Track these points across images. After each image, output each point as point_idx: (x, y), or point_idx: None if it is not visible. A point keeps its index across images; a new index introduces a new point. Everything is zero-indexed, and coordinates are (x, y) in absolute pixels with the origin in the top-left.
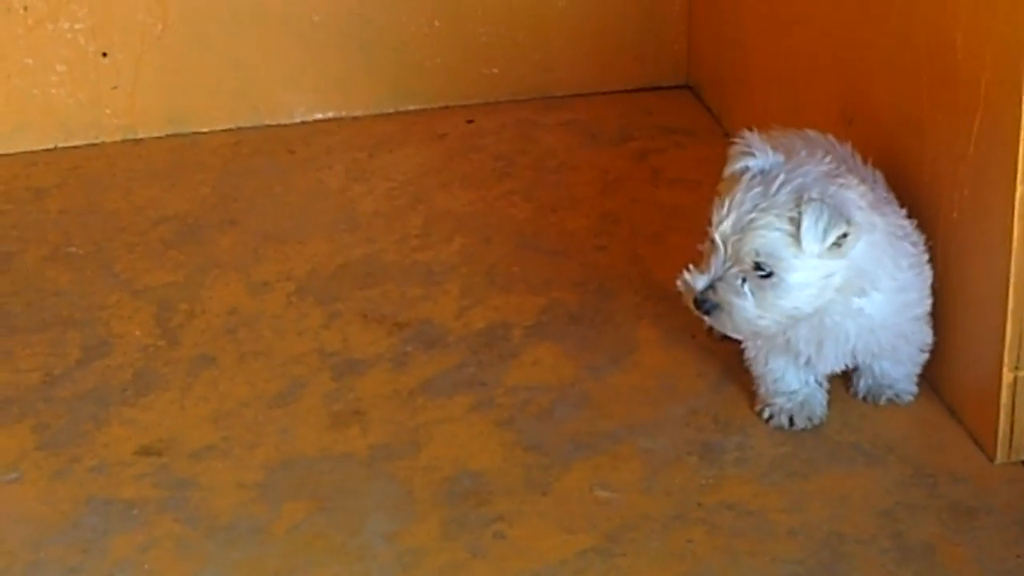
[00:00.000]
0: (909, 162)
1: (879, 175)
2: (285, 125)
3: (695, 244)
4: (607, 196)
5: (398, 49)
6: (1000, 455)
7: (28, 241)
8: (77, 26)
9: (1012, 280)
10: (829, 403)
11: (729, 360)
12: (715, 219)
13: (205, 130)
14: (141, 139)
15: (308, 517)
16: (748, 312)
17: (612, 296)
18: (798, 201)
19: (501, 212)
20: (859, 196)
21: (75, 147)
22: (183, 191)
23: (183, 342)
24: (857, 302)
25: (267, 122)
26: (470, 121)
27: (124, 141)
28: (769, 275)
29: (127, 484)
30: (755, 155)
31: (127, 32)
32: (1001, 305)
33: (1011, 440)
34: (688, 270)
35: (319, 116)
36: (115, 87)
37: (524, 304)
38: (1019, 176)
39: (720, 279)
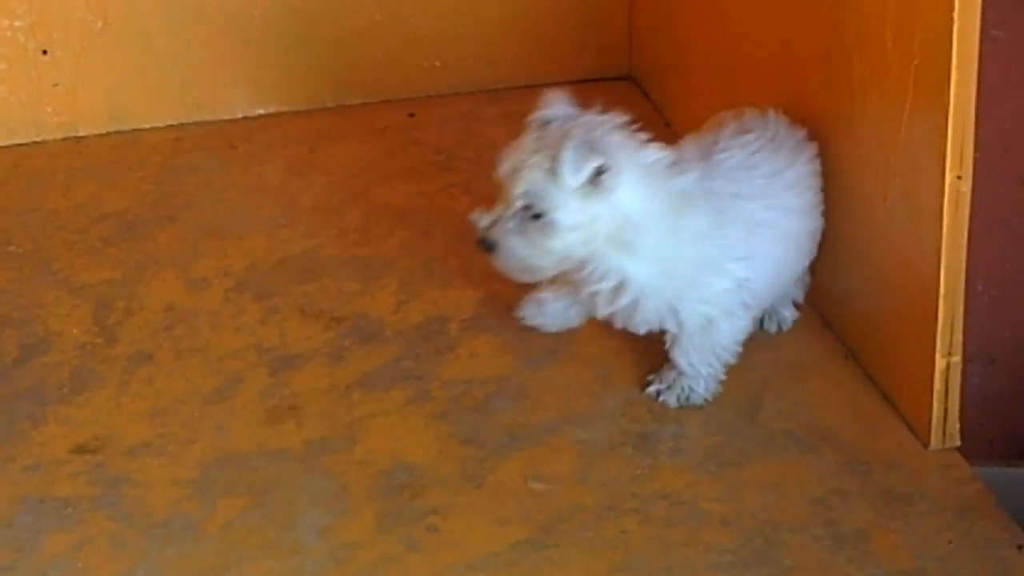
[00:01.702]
0: (842, 151)
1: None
2: (226, 121)
3: None
4: None
5: (339, 43)
6: (934, 441)
7: None
8: (17, 23)
9: (943, 266)
10: (763, 390)
11: (664, 351)
12: (498, 160)
13: (147, 127)
14: (82, 136)
15: (242, 513)
16: (519, 252)
17: None
18: (561, 140)
19: (441, 206)
20: (629, 140)
21: (16, 145)
22: (123, 188)
23: (120, 339)
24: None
25: (208, 118)
26: (411, 115)
27: (65, 139)
28: (539, 216)
29: (62, 482)
30: (550, 108)
31: (67, 29)
32: (933, 292)
33: (944, 426)
34: (476, 211)
35: (260, 111)
36: (56, 84)
37: (462, 297)
38: (948, 164)
39: (500, 219)
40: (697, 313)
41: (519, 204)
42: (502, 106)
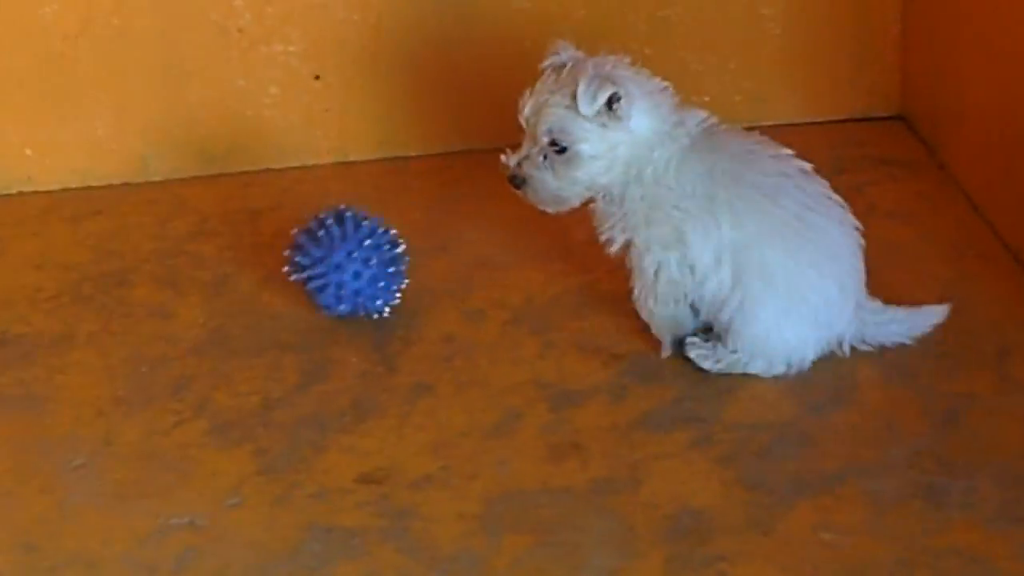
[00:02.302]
0: None
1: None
2: (496, 150)
3: (913, 279)
4: None
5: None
6: None
7: (243, 264)
8: (291, 48)
9: None
10: None
11: (953, 401)
12: (520, 105)
13: (415, 154)
14: (352, 162)
15: (529, 551)
16: (549, 184)
17: None
18: (576, 78)
19: None
20: (637, 73)
21: (288, 168)
22: (394, 215)
23: (400, 369)
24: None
25: (478, 146)
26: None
27: (335, 164)
28: (564, 150)
29: (348, 512)
30: (559, 53)
31: (340, 56)
32: None
33: None
34: (505, 152)
35: None
36: (327, 110)
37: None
38: None
39: (526, 157)
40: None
41: (544, 140)
42: None
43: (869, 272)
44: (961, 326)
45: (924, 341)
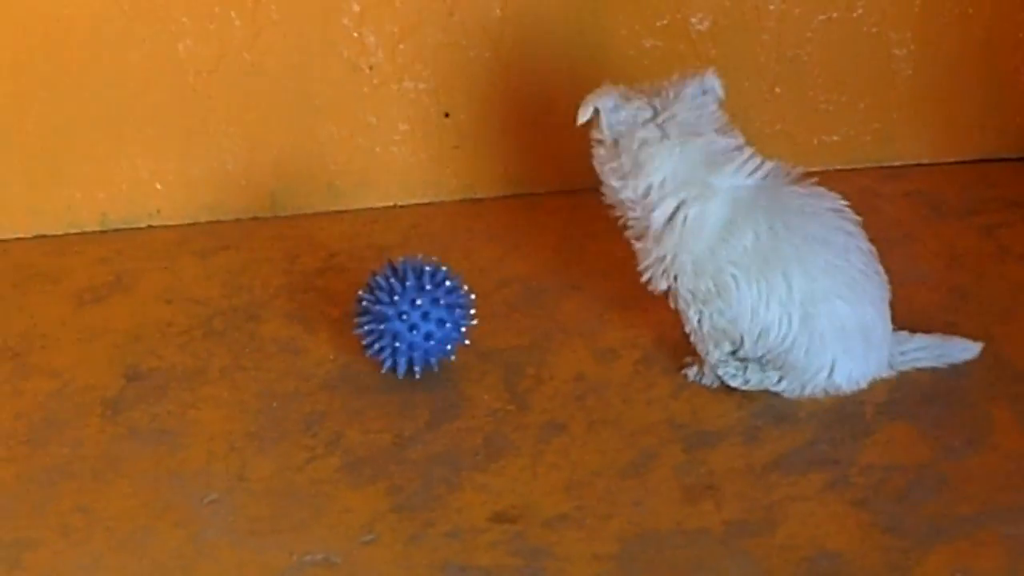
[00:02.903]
0: None
1: None
2: None
3: None
4: (954, 271)
5: (738, 116)
6: None
7: None
8: (421, 86)
9: None
10: None
11: None
12: None
13: (543, 191)
14: (480, 199)
15: None
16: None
17: (964, 374)
18: None
19: None
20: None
21: (416, 205)
22: (524, 253)
23: (532, 407)
24: None
25: None
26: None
27: (463, 200)
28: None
29: (482, 551)
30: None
31: (469, 94)
32: None
33: None
34: None
35: None
36: (456, 147)
37: (874, 381)
38: None
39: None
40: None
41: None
42: (900, 184)
43: (1004, 311)
44: None
45: None
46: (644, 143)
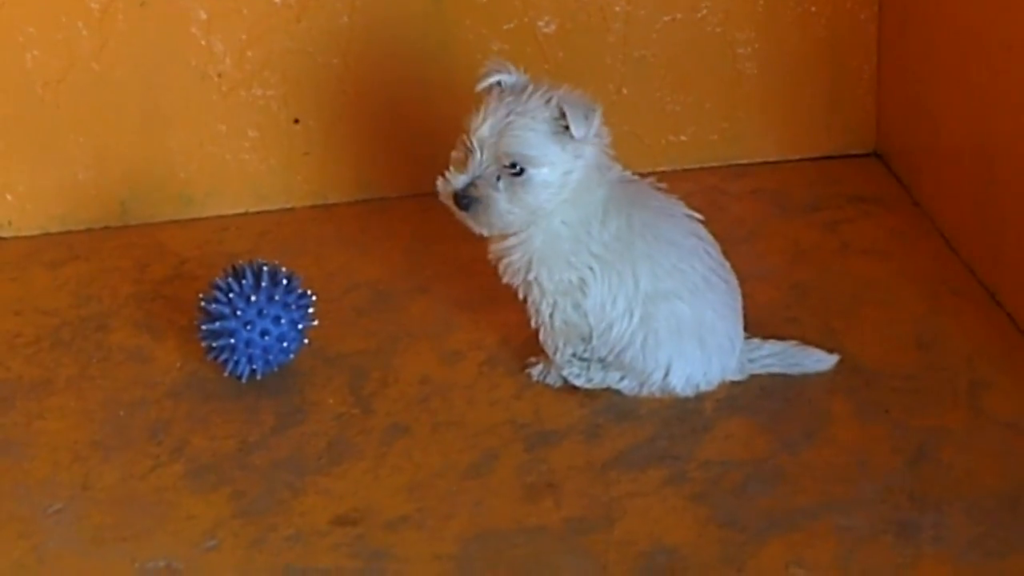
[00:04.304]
0: None
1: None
2: None
3: (887, 316)
4: (797, 267)
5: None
6: None
7: None
8: (270, 93)
9: None
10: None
11: (925, 437)
12: (473, 125)
13: (395, 196)
14: (331, 204)
15: None
16: (501, 205)
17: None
18: (547, 104)
19: None
20: None
21: (267, 212)
22: (374, 257)
23: (376, 411)
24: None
25: None
26: (659, 188)
27: (314, 206)
28: (520, 172)
29: (323, 554)
30: (505, 72)
31: (319, 99)
32: None
33: None
34: (446, 173)
35: None
36: (306, 153)
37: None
38: None
39: (479, 177)
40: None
41: (505, 162)
42: (747, 181)
43: (844, 306)
44: (934, 362)
45: (897, 377)
46: None
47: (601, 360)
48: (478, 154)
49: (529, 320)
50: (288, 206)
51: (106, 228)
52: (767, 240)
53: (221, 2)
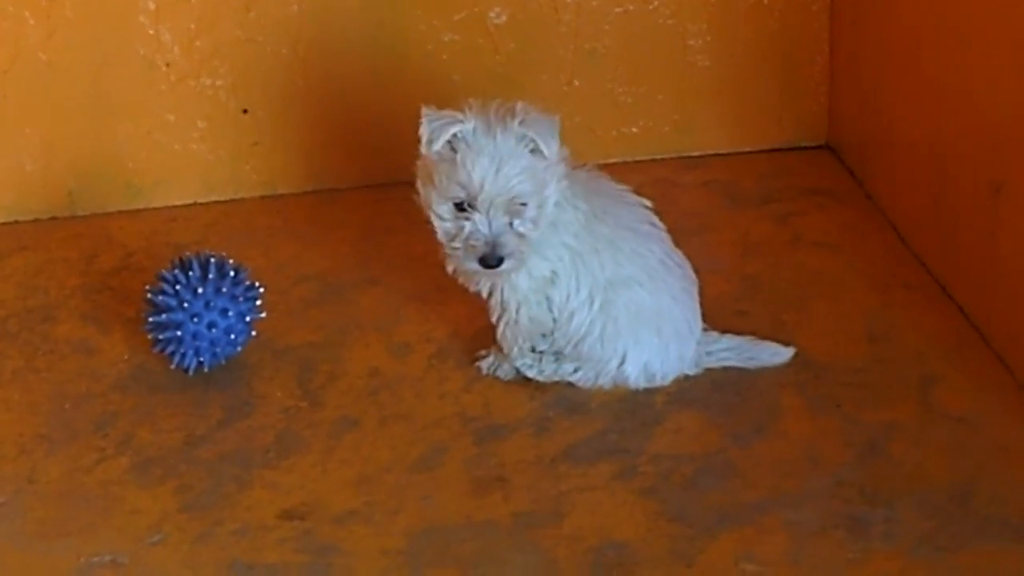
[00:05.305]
0: None
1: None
2: None
3: (838, 308)
4: (748, 259)
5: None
6: None
7: None
8: (219, 83)
9: None
10: (975, 475)
11: (876, 431)
12: (474, 187)
13: (345, 187)
14: (281, 195)
15: None
16: (527, 243)
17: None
18: (519, 140)
19: None
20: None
21: (215, 202)
22: (324, 249)
23: (325, 404)
24: None
25: (407, 179)
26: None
27: (263, 197)
28: (524, 204)
29: (270, 548)
30: (456, 122)
31: (268, 90)
32: None
33: None
34: (457, 251)
35: None
36: (256, 143)
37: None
38: None
39: (499, 235)
40: (512, 287)
41: (516, 205)
42: (698, 173)
43: (795, 299)
44: (885, 356)
45: (848, 371)
46: None
47: (556, 353)
48: (487, 212)
49: (480, 313)
50: (237, 197)
51: (53, 219)
52: (718, 232)
53: None
